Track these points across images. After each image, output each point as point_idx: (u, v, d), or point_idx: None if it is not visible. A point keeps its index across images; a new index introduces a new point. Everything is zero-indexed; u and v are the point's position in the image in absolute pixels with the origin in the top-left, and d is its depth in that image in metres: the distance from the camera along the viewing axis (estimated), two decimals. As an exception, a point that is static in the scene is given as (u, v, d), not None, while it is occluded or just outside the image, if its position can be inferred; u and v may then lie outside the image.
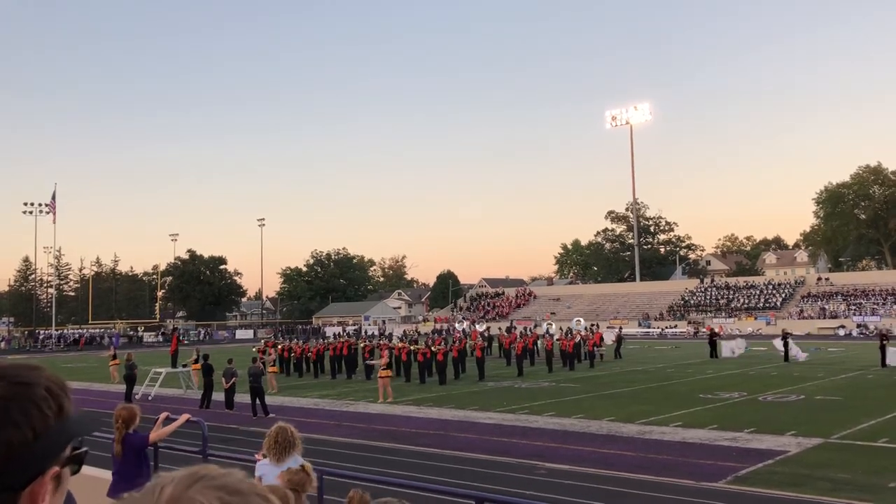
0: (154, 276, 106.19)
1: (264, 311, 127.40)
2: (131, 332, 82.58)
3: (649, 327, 75.01)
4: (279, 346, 36.75)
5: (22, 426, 1.07)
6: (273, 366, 28.59)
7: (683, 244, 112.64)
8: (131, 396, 24.84)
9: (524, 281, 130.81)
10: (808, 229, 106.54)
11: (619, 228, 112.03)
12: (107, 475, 7.83)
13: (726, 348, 39.35)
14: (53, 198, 79.33)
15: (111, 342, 61.52)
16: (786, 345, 36.11)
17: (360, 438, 17.37)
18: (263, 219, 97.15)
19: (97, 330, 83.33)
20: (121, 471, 7.55)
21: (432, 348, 30.35)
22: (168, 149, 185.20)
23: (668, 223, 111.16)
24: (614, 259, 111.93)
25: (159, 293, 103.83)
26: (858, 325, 63.15)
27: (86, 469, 8.50)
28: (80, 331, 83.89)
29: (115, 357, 33.26)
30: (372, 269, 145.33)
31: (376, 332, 48.79)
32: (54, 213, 78.75)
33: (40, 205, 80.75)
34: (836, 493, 11.56)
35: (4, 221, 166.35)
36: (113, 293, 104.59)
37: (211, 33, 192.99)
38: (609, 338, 42.38)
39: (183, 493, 0.87)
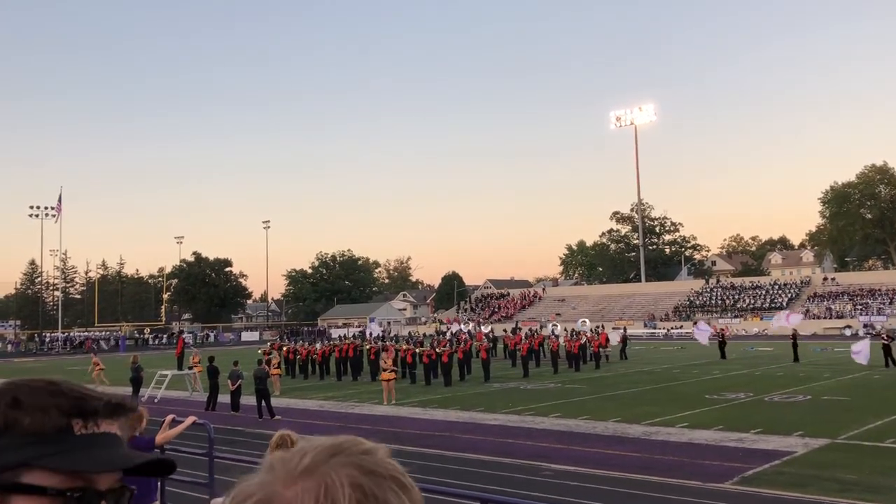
0: (159, 279, 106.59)
1: (270, 314, 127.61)
2: (137, 335, 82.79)
3: (655, 328, 74.87)
4: (284, 349, 36.79)
5: None
6: (276, 368, 28.56)
7: (689, 244, 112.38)
8: (137, 399, 24.90)
9: (529, 282, 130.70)
10: (813, 229, 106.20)
11: (625, 229, 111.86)
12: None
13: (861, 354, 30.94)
14: (59, 201, 79.65)
15: (94, 347, 61.70)
16: (794, 346, 35.96)
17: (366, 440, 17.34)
18: (268, 221, 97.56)
19: (100, 333, 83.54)
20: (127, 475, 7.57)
21: (437, 350, 30.34)
22: (173, 151, 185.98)
23: (673, 223, 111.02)
24: (619, 260, 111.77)
25: (165, 296, 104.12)
26: (865, 325, 62.88)
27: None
28: (85, 333, 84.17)
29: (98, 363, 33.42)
30: (377, 270, 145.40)
31: (398, 334, 48.93)
32: (59, 214, 79.01)
33: (46, 208, 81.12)
34: (844, 493, 11.51)
35: (10, 224, 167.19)
36: (119, 296, 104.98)
37: (215, 34, 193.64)
38: (614, 339, 42.31)
39: (320, 465, 0.85)
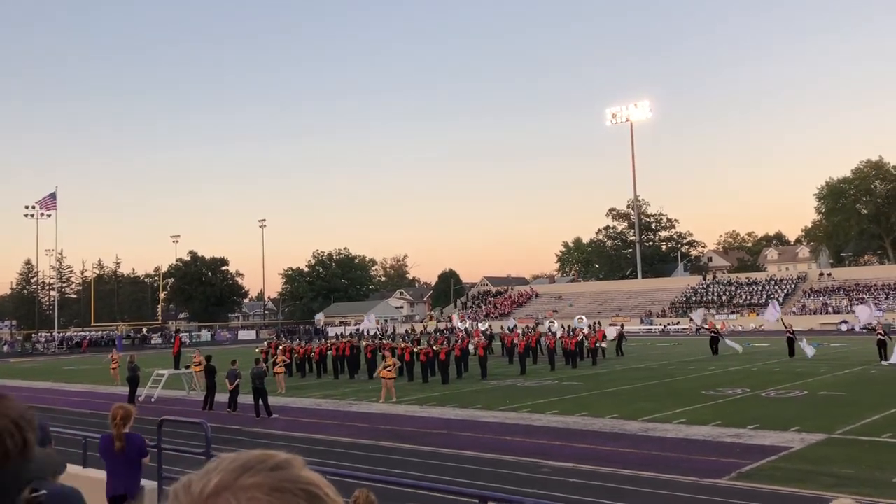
0: (156, 278, 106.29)
1: (266, 312, 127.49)
2: (132, 335, 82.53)
3: (651, 324, 74.97)
4: (281, 347, 36.73)
5: None
6: (280, 366, 28.51)
7: (685, 241, 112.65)
8: (134, 398, 24.85)
9: (526, 279, 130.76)
10: (809, 225, 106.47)
11: (621, 226, 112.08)
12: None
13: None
14: (54, 197, 79.37)
15: (115, 344, 61.44)
16: (790, 341, 35.97)
17: (363, 438, 17.36)
18: (264, 219, 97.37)
19: (95, 332, 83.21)
20: (117, 471, 7.55)
21: (434, 347, 30.34)
22: (169, 151, 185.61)
23: (669, 220, 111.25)
24: (616, 256, 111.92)
25: (161, 295, 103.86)
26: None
27: (89, 471, 8.46)
28: (81, 333, 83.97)
29: (115, 360, 33.47)
30: (373, 268, 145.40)
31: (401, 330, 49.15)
32: (54, 211, 78.82)
33: (40, 206, 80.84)
34: (841, 488, 11.53)
35: (6, 225, 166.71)
36: (115, 295, 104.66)
37: (211, 37, 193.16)
38: (611, 335, 42.35)
39: (224, 490, 0.83)
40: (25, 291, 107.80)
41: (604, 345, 38.50)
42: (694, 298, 79.84)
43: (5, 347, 74.22)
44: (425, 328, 68.98)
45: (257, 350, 32.39)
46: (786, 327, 37.68)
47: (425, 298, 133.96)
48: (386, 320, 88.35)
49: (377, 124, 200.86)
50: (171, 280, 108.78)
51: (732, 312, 73.42)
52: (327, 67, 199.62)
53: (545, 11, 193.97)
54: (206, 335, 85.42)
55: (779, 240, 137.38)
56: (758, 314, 71.68)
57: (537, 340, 38.19)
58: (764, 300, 74.97)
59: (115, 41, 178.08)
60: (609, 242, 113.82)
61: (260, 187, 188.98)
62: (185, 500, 0.83)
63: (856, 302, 68.52)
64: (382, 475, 9.68)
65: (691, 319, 41.47)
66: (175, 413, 21.12)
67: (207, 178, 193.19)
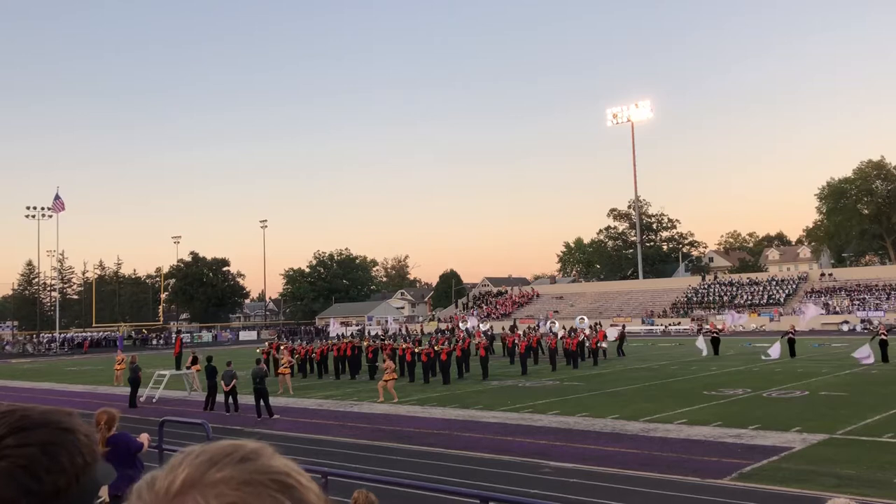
0: (157, 279, 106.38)
1: (268, 313, 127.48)
2: (133, 335, 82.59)
3: (652, 325, 74.94)
4: (282, 347, 36.75)
5: (68, 472, 1.04)
6: (285, 367, 28.49)
7: (686, 241, 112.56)
8: (136, 399, 24.87)
9: (527, 280, 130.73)
10: (810, 225, 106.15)
11: (622, 226, 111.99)
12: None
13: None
14: (58, 197, 79.46)
15: (118, 344, 61.53)
16: (791, 342, 35.84)
17: (365, 439, 17.37)
18: (266, 220, 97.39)
19: (97, 333, 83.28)
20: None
21: (435, 347, 30.34)
22: (170, 152, 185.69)
23: (670, 220, 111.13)
24: (617, 257, 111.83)
25: (162, 295, 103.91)
26: (862, 321, 63.06)
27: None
28: (83, 334, 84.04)
29: (122, 361, 33.40)
30: (375, 269, 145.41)
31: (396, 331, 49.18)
32: (59, 212, 78.86)
33: (43, 208, 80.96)
34: (842, 488, 11.52)
35: (7, 225, 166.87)
36: (116, 296, 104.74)
37: (212, 38, 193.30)
38: (612, 336, 42.32)
39: (191, 488, 0.79)
40: (27, 292, 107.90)
41: (604, 345, 38.47)
42: (695, 299, 79.80)
43: (6, 348, 74.25)
44: (422, 329, 69.04)
45: (258, 350, 32.40)
46: (790, 328, 37.63)
47: (426, 299, 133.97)
48: (396, 319, 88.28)
49: (378, 125, 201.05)
50: (172, 281, 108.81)
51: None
52: (327, 67, 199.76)
53: (545, 11, 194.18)
54: (207, 336, 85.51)
55: (780, 240, 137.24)
56: (759, 314, 71.71)
57: (538, 341, 38.19)
58: (765, 300, 75.08)
59: (115, 41, 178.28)
60: (610, 243, 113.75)
61: (260, 187, 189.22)
62: (148, 499, 0.79)
63: (857, 302, 68.52)
64: (383, 475, 9.70)
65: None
66: (176, 413, 21.15)
67: (207, 178, 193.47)
